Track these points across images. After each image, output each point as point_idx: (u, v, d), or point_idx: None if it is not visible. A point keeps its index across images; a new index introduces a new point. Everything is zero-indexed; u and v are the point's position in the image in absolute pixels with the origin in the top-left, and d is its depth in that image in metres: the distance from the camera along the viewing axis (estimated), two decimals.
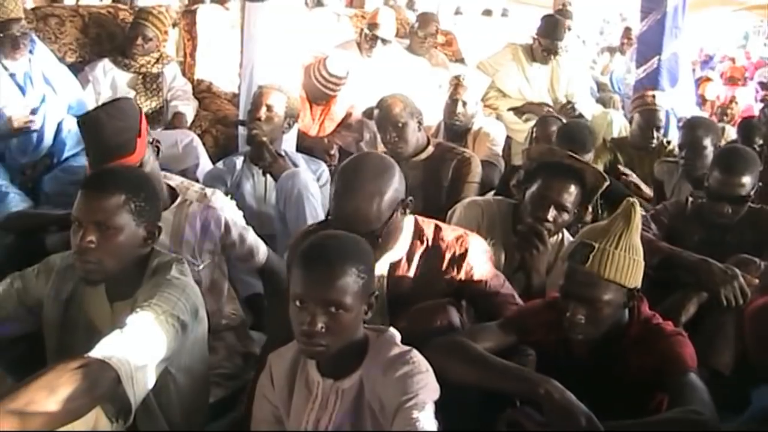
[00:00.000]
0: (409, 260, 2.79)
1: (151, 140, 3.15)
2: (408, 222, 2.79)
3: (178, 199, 3.21)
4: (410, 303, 2.72)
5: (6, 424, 2.01)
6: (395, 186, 2.63)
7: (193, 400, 2.69)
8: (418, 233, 2.82)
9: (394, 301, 2.77)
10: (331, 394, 2.30)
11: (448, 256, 2.80)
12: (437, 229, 2.85)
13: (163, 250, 2.75)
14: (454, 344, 2.57)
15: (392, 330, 2.35)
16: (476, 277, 2.82)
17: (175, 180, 3.31)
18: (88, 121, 3.10)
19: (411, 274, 2.79)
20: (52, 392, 2.06)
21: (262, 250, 3.46)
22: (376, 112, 4.46)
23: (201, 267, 3.23)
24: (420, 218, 2.85)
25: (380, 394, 2.21)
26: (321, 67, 5.20)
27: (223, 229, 3.27)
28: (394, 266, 2.78)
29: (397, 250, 2.77)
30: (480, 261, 2.83)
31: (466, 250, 2.80)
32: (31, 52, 4.64)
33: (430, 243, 2.81)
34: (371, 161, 2.71)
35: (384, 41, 5.92)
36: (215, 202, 3.26)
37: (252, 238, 3.40)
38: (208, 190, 3.31)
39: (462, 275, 2.80)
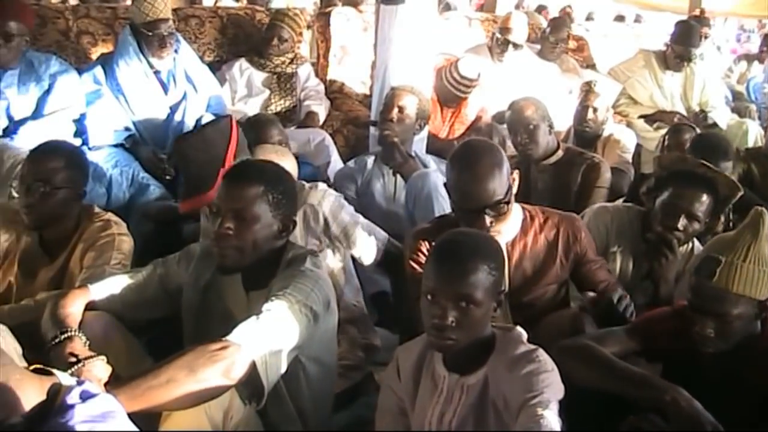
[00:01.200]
0: (525, 236, 3.02)
1: None
2: (516, 205, 3.01)
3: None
4: (527, 282, 3.01)
5: (147, 399, 2.12)
6: (506, 160, 2.90)
7: (320, 388, 2.77)
8: (528, 213, 3.06)
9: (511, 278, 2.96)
10: (456, 389, 2.34)
11: (561, 233, 3.03)
12: (543, 210, 3.10)
13: None
14: (580, 347, 2.58)
15: (519, 329, 2.38)
16: (588, 254, 3.09)
17: None
18: (177, 151, 3.24)
19: (527, 250, 3.02)
20: (191, 372, 2.17)
21: (375, 245, 3.54)
22: (507, 114, 4.48)
23: None
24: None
25: (505, 391, 2.24)
26: (453, 69, 5.24)
27: (323, 224, 3.40)
28: (509, 246, 2.97)
29: (511, 229, 2.99)
30: (588, 239, 3.09)
31: (578, 228, 3.06)
32: (176, 51, 4.83)
33: (541, 220, 3.05)
34: (479, 142, 3.11)
35: (515, 46, 5.92)
36: (312, 198, 3.38)
37: (359, 232, 3.49)
38: (306, 186, 3.42)
39: (576, 249, 3.05)
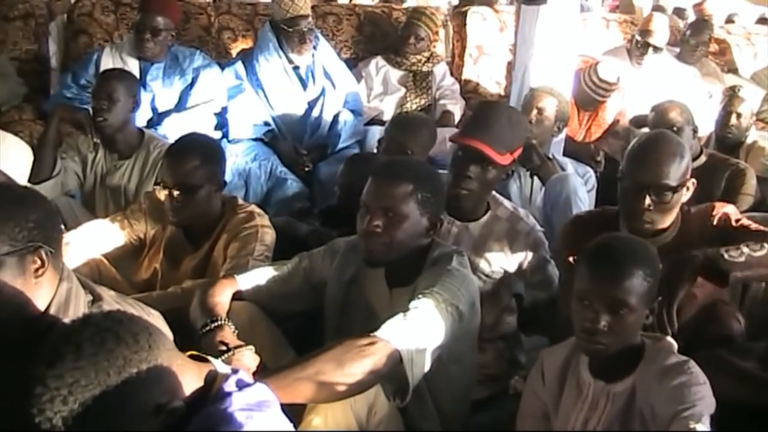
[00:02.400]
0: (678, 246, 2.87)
1: None
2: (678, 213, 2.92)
3: (488, 214, 3.31)
4: None
5: (294, 391, 2.15)
6: (688, 158, 2.86)
7: (460, 389, 2.76)
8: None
9: None
10: (602, 396, 2.30)
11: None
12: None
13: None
14: (720, 360, 2.51)
15: (669, 339, 2.33)
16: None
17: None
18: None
19: None
20: (339, 365, 2.18)
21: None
22: (651, 116, 4.40)
23: (488, 280, 3.29)
24: None
25: (653, 402, 2.19)
26: (592, 72, 5.15)
27: (531, 256, 3.31)
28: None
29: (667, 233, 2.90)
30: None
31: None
32: (314, 47, 4.90)
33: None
34: (666, 133, 3.05)
35: (656, 49, 5.77)
36: (523, 226, 3.32)
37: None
38: (521, 212, 3.38)
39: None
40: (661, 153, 2.80)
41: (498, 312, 3.33)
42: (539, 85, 4.43)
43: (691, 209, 2.94)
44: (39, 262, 2.15)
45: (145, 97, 4.53)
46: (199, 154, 3.20)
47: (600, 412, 2.30)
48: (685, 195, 2.86)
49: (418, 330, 2.36)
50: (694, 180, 2.87)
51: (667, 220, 2.86)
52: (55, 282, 2.21)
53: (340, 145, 4.81)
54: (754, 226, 2.84)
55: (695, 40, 6.33)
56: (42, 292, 2.18)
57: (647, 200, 2.77)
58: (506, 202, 3.42)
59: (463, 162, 3.20)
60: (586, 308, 2.20)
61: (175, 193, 3.14)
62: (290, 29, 4.77)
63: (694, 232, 2.87)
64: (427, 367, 2.40)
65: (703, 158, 4.25)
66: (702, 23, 6.81)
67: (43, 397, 1.54)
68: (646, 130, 4.98)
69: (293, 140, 4.82)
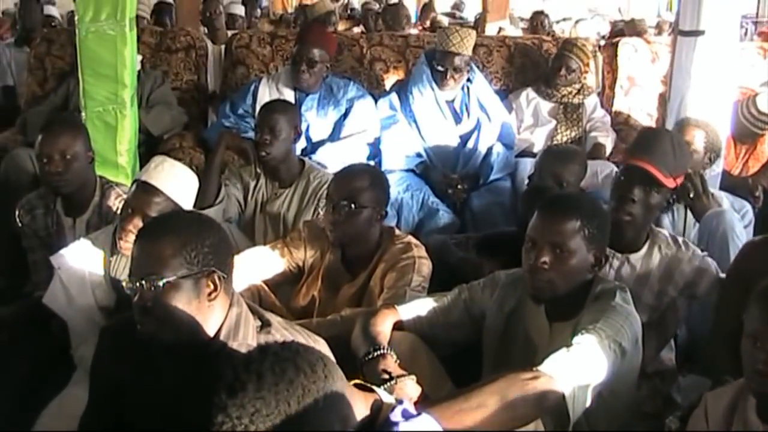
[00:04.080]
0: None
1: None
2: None
3: (647, 244, 3.30)
4: None
5: (457, 422, 2.16)
6: None
7: (618, 426, 2.73)
8: None
9: None
10: None
11: None
12: None
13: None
14: None
15: None
16: None
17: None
18: None
19: None
20: (502, 398, 2.20)
21: None
22: None
23: (652, 314, 3.26)
24: None
25: None
26: (750, 104, 5.01)
27: (698, 282, 3.29)
28: None
29: None
30: None
31: None
32: (469, 80, 4.97)
33: None
34: None
35: None
36: (683, 253, 3.30)
37: None
38: (679, 239, 3.36)
39: None
40: None
41: (659, 346, 3.28)
42: (686, 117, 4.35)
43: None
44: (212, 286, 2.25)
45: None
46: (369, 177, 3.34)
47: None
48: None
49: (581, 366, 2.36)
50: None
51: None
52: (227, 306, 2.31)
53: (492, 177, 4.81)
54: None
55: None
56: (214, 316, 2.28)
57: None
58: (664, 231, 3.40)
59: (628, 184, 3.20)
60: (759, 350, 2.15)
61: (341, 205, 3.23)
62: (437, 63, 4.84)
63: None
64: (588, 404, 2.39)
65: None
66: None
67: (225, 425, 1.58)
68: None
69: (445, 171, 4.86)
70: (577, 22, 9.24)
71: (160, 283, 2.18)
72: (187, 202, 3.35)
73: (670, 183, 3.23)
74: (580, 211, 2.64)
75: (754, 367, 2.16)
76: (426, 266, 3.25)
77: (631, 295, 2.73)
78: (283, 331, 2.37)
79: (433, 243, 3.84)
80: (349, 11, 11.62)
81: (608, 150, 5.35)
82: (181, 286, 2.20)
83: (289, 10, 11.54)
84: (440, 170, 4.84)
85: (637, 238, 3.28)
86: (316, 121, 4.90)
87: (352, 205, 3.23)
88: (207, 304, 2.25)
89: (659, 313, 3.27)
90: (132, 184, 3.35)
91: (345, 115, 4.92)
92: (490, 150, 4.88)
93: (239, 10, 8.68)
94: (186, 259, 2.20)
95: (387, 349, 2.57)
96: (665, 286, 3.25)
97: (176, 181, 3.31)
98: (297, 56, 4.88)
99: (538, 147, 5.24)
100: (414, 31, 8.60)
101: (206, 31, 7.23)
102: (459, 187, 4.75)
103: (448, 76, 4.85)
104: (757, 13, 13.18)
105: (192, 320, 2.24)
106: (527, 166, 4.75)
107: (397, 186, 4.57)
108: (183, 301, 2.21)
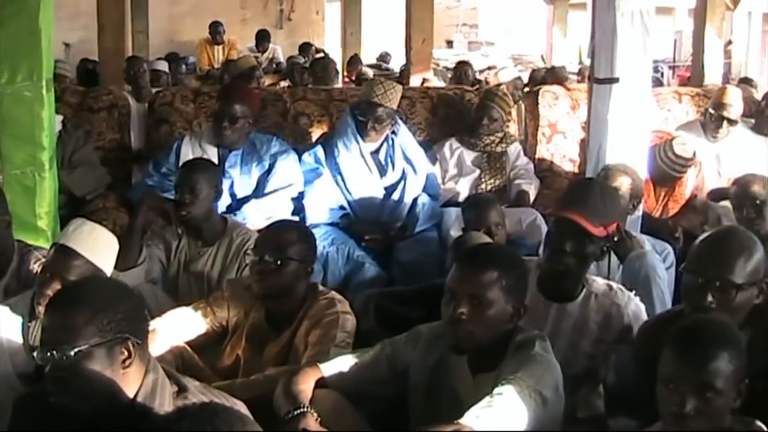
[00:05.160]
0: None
1: None
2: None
3: (584, 292, 3.30)
4: None
5: None
6: (762, 257, 2.73)
7: None
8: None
9: None
10: None
11: None
12: None
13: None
14: None
15: (759, 423, 2.29)
16: None
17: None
18: None
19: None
20: None
21: None
22: (732, 189, 4.38)
23: (591, 362, 3.26)
24: None
25: None
26: (667, 148, 5.12)
27: (624, 330, 3.26)
28: None
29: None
30: None
31: None
32: (394, 133, 5.01)
33: None
34: (737, 228, 3.10)
35: (731, 122, 5.72)
36: (620, 298, 3.30)
37: None
38: (614, 285, 3.36)
39: None
40: (727, 247, 2.72)
41: (591, 391, 3.29)
42: (612, 164, 4.43)
43: None
44: (126, 353, 2.22)
45: (224, 183, 4.65)
46: (297, 232, 3.39)
47: None
48: (757, 298, 2.74)
49: (502, 416, 2.37)
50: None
51: (734, 321, 2.65)
52: (142, 373, 2.28)
53: (418, 228, 4.83)
54: None
55: None
56: (129, 383, 2.25)
57: (708, 297, 2.67)
58: (598, 279, 3.42)
59: (560, 237, 3.23)
60: (673, 392, 2.18)
61: (266, 258, 3.22)
62: (360, 114, 4.90)
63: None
64: None
65: None
66: None
67: None
68: (725, 203, 4.95)
69: (368, 222, 4.88)
70: (499, 70, 9.39)
71: (72, 353, 2.14)
72: (107, 265, 3.31)
73: (600, 232, 3.26)
74: (497, 263, 2.66)
75: (669, 410, 2.19)
76: (350, 322, 3.24)
77: (570, 344, 2.75)
78: (200, 395, 2.34)
79: (363, 299, 3.86)
80: (275, 65, 11.66)
81: (532, 197, 5.41)
82: (94, 354, 2.17)
83: (216, 66, 11.51)
84: (365, 222, 4.86)
85: (573, 288, 3.29)
86: (240, 177, 4.88)
87: (280, 258, 3.22)
88: (121, 371, 2.22)
89: (596, 361, 3.28)
90: (51, 248, 3.30)
91: (269, 170, 4.91)
92: (415, 201, 4.91)
93: (163, 66, 8.68)
94: (98, 327, 2.17)
95: (308, 408, 2.57)
96: (604, 333, 3.26)
97: (95, 244, 3.27)
98: (219, 113, 4.88)
99: (463, 196, 5.25)
100: (341, 84, 8.67)
101: (131, 89, 7.18)
102: (392, 233, 4.78)
103: (369, 127, 4.88)
104: (674, 58, 13.56)
105: (107, 388, 2.21)
106: (452, 215, 4.79)
107: (322, 240, 4.56)
108: (96, 369, 2.18)
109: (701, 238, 2.85)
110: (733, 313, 2.69)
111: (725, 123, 5.72)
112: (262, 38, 12.37)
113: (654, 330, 2.94)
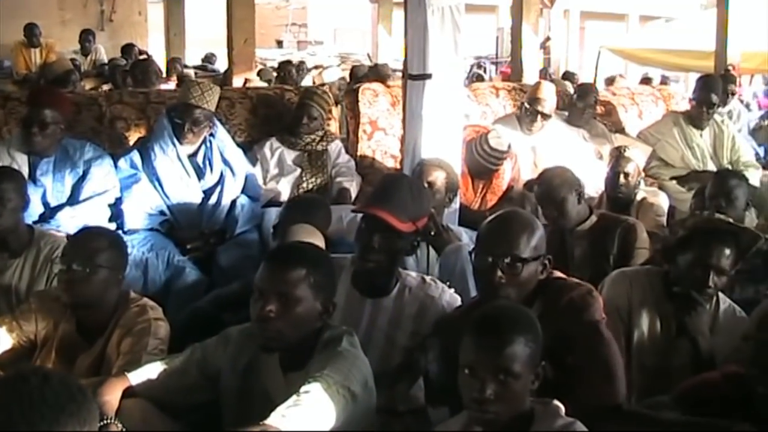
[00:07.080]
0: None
1: None
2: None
3: (397, 286, 3.34)
4: None
5: None
6: (540, 233, 2.85)
7: None
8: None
9: None
10: None
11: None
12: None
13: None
14: (640, 415, 2.63)
15: (556, 402, 2.37)
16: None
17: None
18: None
19: None
20: None
21: None
22: (536, 187, 4.50)
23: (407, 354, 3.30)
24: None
25: None
26: (483, 142, 5.24)
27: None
28: None
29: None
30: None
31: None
32: (212, 135, 4.96)
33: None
34: (516, 210, 3.22)
35: (545, 116, 5.93)
36: (433, 290, 3.36)
37: None
38: (427, 278, 3.42)
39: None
40: (510, 226, 2.84)
41: (410, 385, 3.34)
42: (427, 159, 4.50)
43: (566, 283, 2.94)
44: None
45: (36, 192, 4.49)
46: (106, 240, 3.29)
47: None
48: (541, 274, 2.88)
49: (308, 415, 2.37)
50: (550, 257, 2.90)
51: (523, 295, 2.83)
52: None
53: (238, 230, 4.80)
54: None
55: (582, 103, 6.50)
56: None
57: (498, 273, 2.77)
58: (411, 273, 3.47)
59: (368, 233, 3.25)
60: (473, 378, 2.25)
61: (74, 267, 3.12)
62: (176, 116, 4.84)
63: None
64: None
65: (593, 218, 4.35)
66: (587, 87, 7.03)
67: None
68: None
69: (189, 229, 4.80)
70: (323, 70, 9.43)
71: None
72: None
73: (409, 228, 3.30)
74: (305, 260, 2.67)
75: (470, 396, 2.25)
76: (163, 328, 3.18)
77: (387, 339, 2.77)
78: None
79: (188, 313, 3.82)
80: (97, 68, 11.35)
81: (353, 194, 5.44)
82: None
83: (34, 70, 11.10)
84: (184, 229, 4.79)
85: (386, 283, 3.33)
86: (53, 185, 4.71)
87: (89, 266, 3.13)
88: None
89: (412, 353, 3.33)
90: None
91: (83, 177, 4.75)
92: (234, 203, 4.87)
93: None
94: None
95: (112, 419, 2.52)
96: (419, 326, 3.30)
97: None
98: (28, 119, 4.68)
99: (285, 196, 5.25)
100: (164, 86, 8.50)
101: None
102: (212, 241, 4.71)
103: (186, 130, 4.81)
104: (497, 54, 13.96)
105: None
106: (273, 216, 4.75)
107: (141, 246, 4.47)
108: None
109: (486, 221, 2.95)
110: (520, 287, 2.81)
111: (539, 117, 5.93)
112: (86, 39, 12.02)
113: (454, 320, 3.01)
